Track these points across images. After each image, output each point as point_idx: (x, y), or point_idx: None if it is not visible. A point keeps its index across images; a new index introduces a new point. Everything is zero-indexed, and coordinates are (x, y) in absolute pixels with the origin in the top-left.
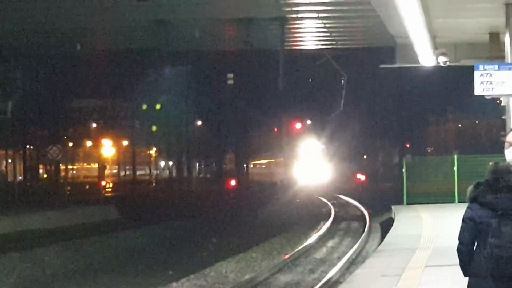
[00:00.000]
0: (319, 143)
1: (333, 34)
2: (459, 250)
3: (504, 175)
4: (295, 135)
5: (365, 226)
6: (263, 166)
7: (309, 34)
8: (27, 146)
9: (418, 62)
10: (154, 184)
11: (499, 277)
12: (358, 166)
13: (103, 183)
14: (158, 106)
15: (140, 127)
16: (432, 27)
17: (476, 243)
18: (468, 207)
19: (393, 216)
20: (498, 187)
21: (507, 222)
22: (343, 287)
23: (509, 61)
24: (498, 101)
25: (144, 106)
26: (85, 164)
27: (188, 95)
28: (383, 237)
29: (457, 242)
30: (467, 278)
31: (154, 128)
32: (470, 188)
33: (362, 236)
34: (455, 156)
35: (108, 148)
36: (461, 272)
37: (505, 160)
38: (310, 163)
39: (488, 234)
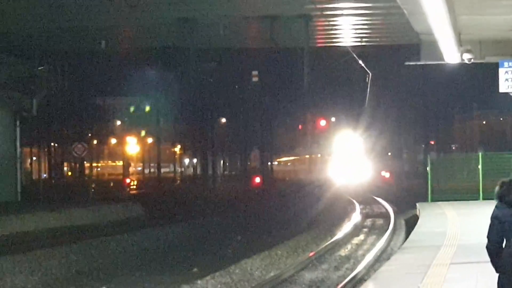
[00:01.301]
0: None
1: (358, 32)
2: (487, 248)
3: None
4: (320, 133)
5: (389, 223)
6: (288, 164)
7: (334, 32)
8: (52, 144)
9: (442, 59)
10: (178, 181)
11: None
12: (383, 164)
13: (128, 180)
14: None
15: (163, 124)
16: (457, 24)
17: (504, 241)
18: (495, 206)
19: (418, 213)
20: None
21: None
22: (368, 284)
23: None
24: None
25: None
26: (109, 161)
27: (213, 92)
28: (408, 234)
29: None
30: (497, 274)
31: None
32: (496, 187)
33: (387, 233)
34: (480, 154)
35: (132, 146)
36: (486, 270)
37: None
38: (344, 162)
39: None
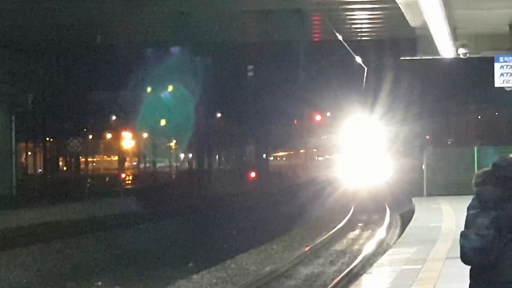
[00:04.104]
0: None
1: (354, 26)
2: None
3: (500, 169)
4: (316, 128)
5: (385, 218)
6: (284, 159)
7: (329, 26)
8: (47, 139)
9: (438, 54)
10: (174, 176)
11: (471, 267)
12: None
13: (123, 175)
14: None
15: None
16: (453, 19)
17: None
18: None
19: (413, 207)
20: (485, 179)
21: (484, 215)
22: (363, 279)
23: None
24: None
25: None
26: (105, 156)
27: (208, 87)
28: (403, 228)
29: None
30: None
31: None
32: None
33: (383, 228)
34: (475, 148)
35: (128, 141)
36: None
37: None
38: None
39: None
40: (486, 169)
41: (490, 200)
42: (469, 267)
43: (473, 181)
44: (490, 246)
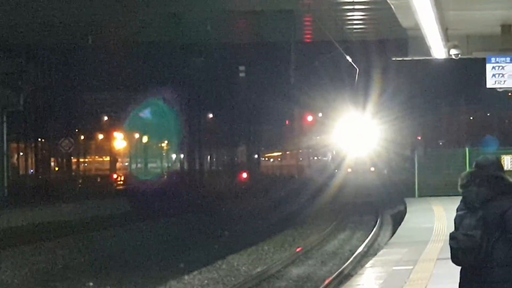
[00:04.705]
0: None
1: (345, 27)
2: None
3: (483, 169)
4: (307, 128)
5: (377, 219)
6: (277, 159)
7: (320, 27)
8: (39, 139)
9: (430, 54)
10: (165, 176)
11: (462, 268)
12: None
13: (115, 176)
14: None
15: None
16: (444, 19)
17: None
18: None
19: (405, 208)
20: (468, 180)
21: (470, 215)
22: (355, 280)
23: None
24: (510, 94)
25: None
26: (96, 157)
27: (200, 87)
28: (395, 229)
29: None
30: None
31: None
32: None
33: (374, 229)
34: (467, 149)
35: (119, 141)
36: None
37: None
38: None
39: None
40: (469, 170)
41: (475, 200)
42: (459, 268)
43: (458, 183)
44: (479, 246)
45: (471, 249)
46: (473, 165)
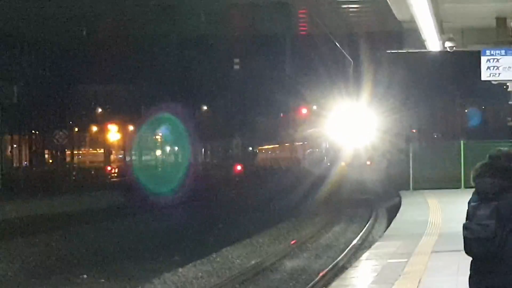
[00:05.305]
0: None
1: (340, 19)
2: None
3: (497, 160)
4: (302, 121)
5: (371, 212)
6: (270, 152)
7: (315, 20)
8: (33, 131)
9: (425, 47)
10: (160, 169)
11: (475, 259)
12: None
13: (109, 168)
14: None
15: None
16: (439, 12)
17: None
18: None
19: (399, 201)
20: (482, 171)
21: (484, 206)
22: (349, 273)
23: None
24: (504, 87)
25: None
26: (90, 149)
27: (194, 80)
28: (389, 222)
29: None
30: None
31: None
32: None
33: (369, 222)
34: (462, 142)
35: (113, 133)
36: (468, 258)
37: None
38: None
39: None
40: (483, 162)
41: (489, 191)
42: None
43: (471, 175)
44: (493, 235)
45: (485, 239)
46: (487, 157)
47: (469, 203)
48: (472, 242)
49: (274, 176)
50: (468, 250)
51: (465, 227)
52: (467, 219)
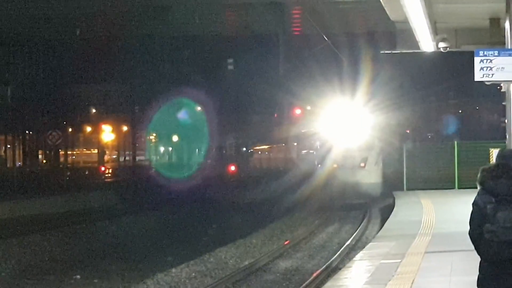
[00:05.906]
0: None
1: (334, 20)
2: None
3: (509, 160)
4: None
5: (365, 212)
6: (264, 152)
7: (309, 20)
8: (27, 132)
9: (418, 48)
10: (153, 169)
11: (496, 262)
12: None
13: (103, 168)
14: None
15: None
16: (433, 12)
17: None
18: (477, 192)
19: (393, 201)
20: (499, 172)
21: (504, 208)
22: (342, 273)
23: (509, 47)
24: (498, 87)
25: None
26: (84, 149)
27: (188, 80)
28: (383, 223)
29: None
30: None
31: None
32: (478, 174)
33: (362, 222)
34: (455, 142)
35: (107, 134)
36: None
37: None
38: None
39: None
40: (495, 163)
41: (507, 192)
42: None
43: (479, 176)
44: None
45: (510, 243)
46: (497, 157)
47: (475, 204)
48: (499, 245)
49: (269, 177)
50: (492, 253)
51: (487, 230)
52: (472, 219)
